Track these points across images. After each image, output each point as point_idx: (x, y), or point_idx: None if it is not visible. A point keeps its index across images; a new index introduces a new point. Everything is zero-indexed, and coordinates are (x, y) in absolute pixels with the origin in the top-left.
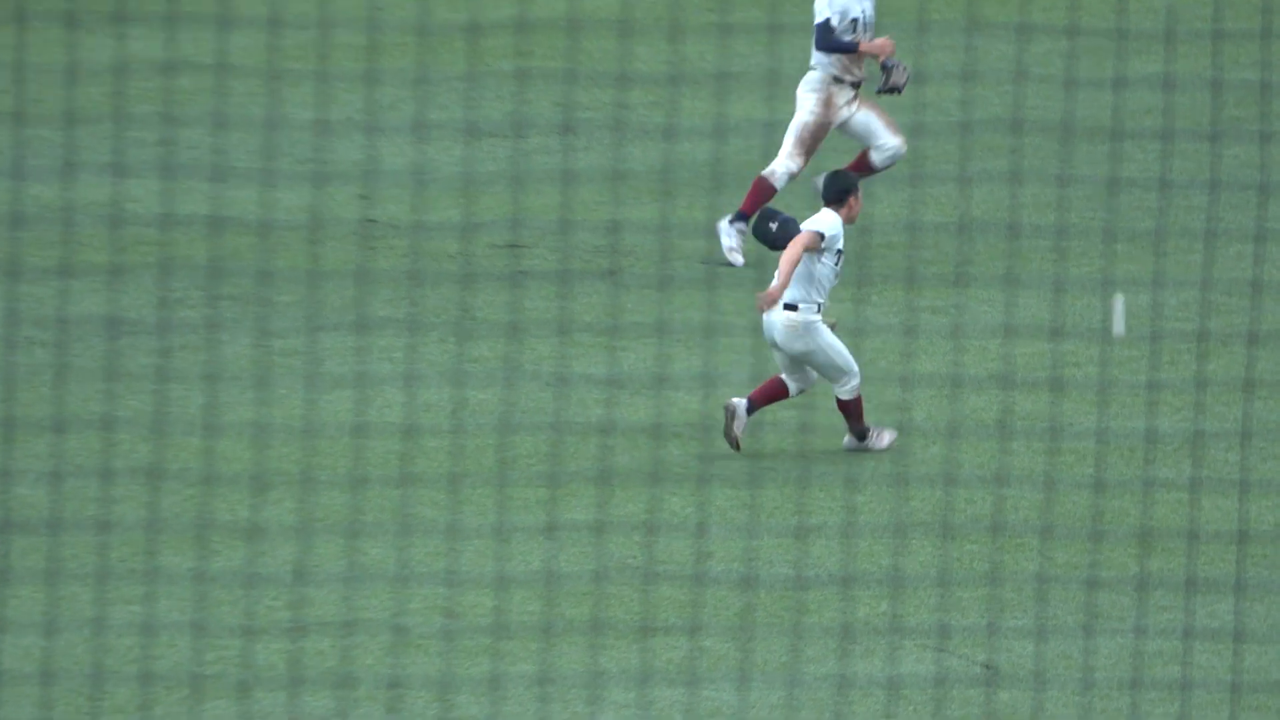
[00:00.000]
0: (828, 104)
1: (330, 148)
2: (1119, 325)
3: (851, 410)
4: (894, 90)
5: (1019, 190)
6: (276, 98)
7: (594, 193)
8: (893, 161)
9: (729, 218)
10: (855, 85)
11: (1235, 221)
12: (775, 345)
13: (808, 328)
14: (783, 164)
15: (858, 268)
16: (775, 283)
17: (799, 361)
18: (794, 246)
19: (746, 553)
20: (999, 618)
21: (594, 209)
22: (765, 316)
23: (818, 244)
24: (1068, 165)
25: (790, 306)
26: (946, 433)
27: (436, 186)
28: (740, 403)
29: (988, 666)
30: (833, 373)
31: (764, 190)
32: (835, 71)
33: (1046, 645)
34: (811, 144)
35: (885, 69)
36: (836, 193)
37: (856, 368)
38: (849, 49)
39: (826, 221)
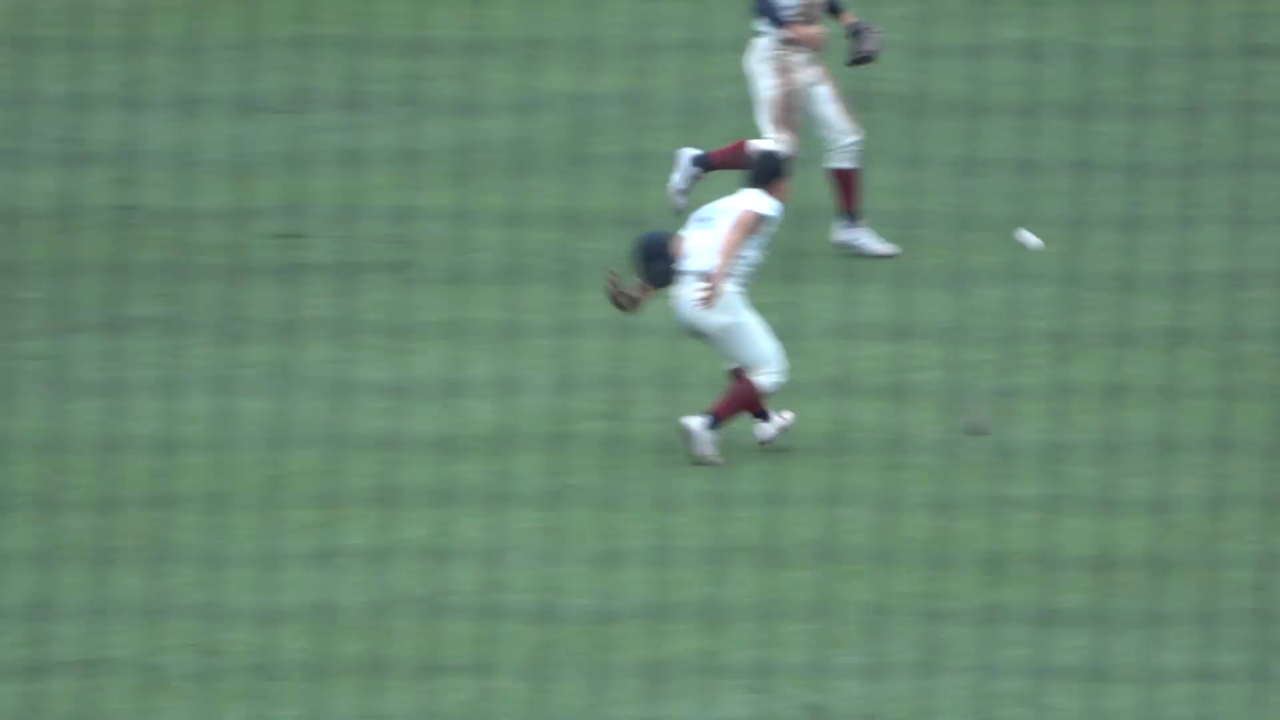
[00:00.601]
0: (784, 71)
1: (84, 125)
2: (1032, 241)
3: (754, 402)
4: (866, 59)
5: (864, 173)
6: (24, 69)
7: (383, 175)
8: (853, 160)
9: (694, 154)
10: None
11: (1105, 208)
12: (689, 327)
13: (727, 298)
14: (766, 144)
15: None
16: (717, 269)
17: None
18: (736, 230)
19: (546, 582)
20: (828, 654)
21: (383, 194)
22: (678, 300)
23: (758, 226)
24: (918, 144)
25: (708, 274)
26: (774, 445)
27: (204, 169)
28: (693, 421)
29: (814, 709)
30: (751, 355)
31: (740, 156)
32: (784, 37)
33: (881, 685)
34: (788, 117)
35: (855, 33)
36: (768, 172)
37: (779, 355)
38: (777, 23)
39: (765, 203)
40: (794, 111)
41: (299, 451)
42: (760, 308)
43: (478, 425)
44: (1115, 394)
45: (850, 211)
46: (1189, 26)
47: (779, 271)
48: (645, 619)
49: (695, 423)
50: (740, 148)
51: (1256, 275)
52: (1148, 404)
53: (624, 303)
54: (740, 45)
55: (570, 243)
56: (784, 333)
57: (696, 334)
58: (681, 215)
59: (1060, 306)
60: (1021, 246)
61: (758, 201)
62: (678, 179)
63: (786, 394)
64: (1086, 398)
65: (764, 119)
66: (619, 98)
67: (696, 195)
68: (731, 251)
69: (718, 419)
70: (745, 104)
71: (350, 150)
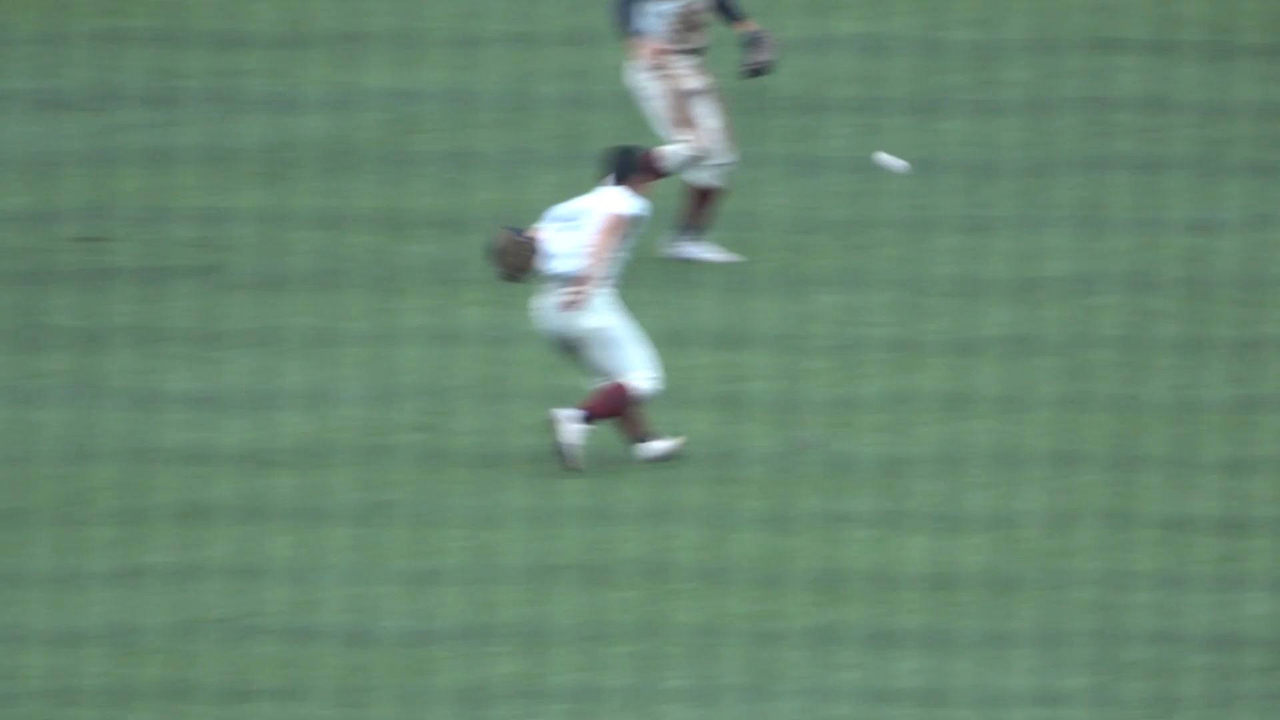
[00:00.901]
0: (667, 75)
1: None
2: (893, 163)
3: (618, 403)
4: (760, 71)
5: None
6: None
7: (192, 175)
8: (721, 177)
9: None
10: (694, 52)
11: (948, 209)
12: (555, 334)
13: (595, 302)
14: (676, 149)
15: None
16: (585, 274)
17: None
18: (604, 233)
19: (359, 602)
20: (654, 677)
21: (191, 195)
22: (543, 311)
23: (625, 227)
24: (756, 143)
25: (575, 277)
26: (599, 459)
27: (1, 169)
28: (565, 412)
29: None
30: (623, 360)
31: (654, 165)
32: (663, 42)
33: (710, 709)
34: (683, 115)
35: (751, 42)
36: (629, 167)
37: (652, 359)
38: (623, 30)
39: (630, 202)
40: (687, 110)
41: (100, 465)
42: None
43: (289, 437)
44: (957, 405)
45: (696, 228)
46: (1036, 19)
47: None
48: (463, 640)
49: (566, 413)
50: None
51: (1105, 280)
52: (991, 415)
53: (511, 263)
54: (568, 38)
55: (389, 246)
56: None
57: (563, 342)
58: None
59: (900, 313)
60: (883, 169)
61: (622, 201)
62: (693, 247)
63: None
64: (927, 409)
65: (663, 128)
66: (441, 93)
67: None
68: (601, 255)
69: (590, 416)
70: (574, 100)
71: (157, 149)
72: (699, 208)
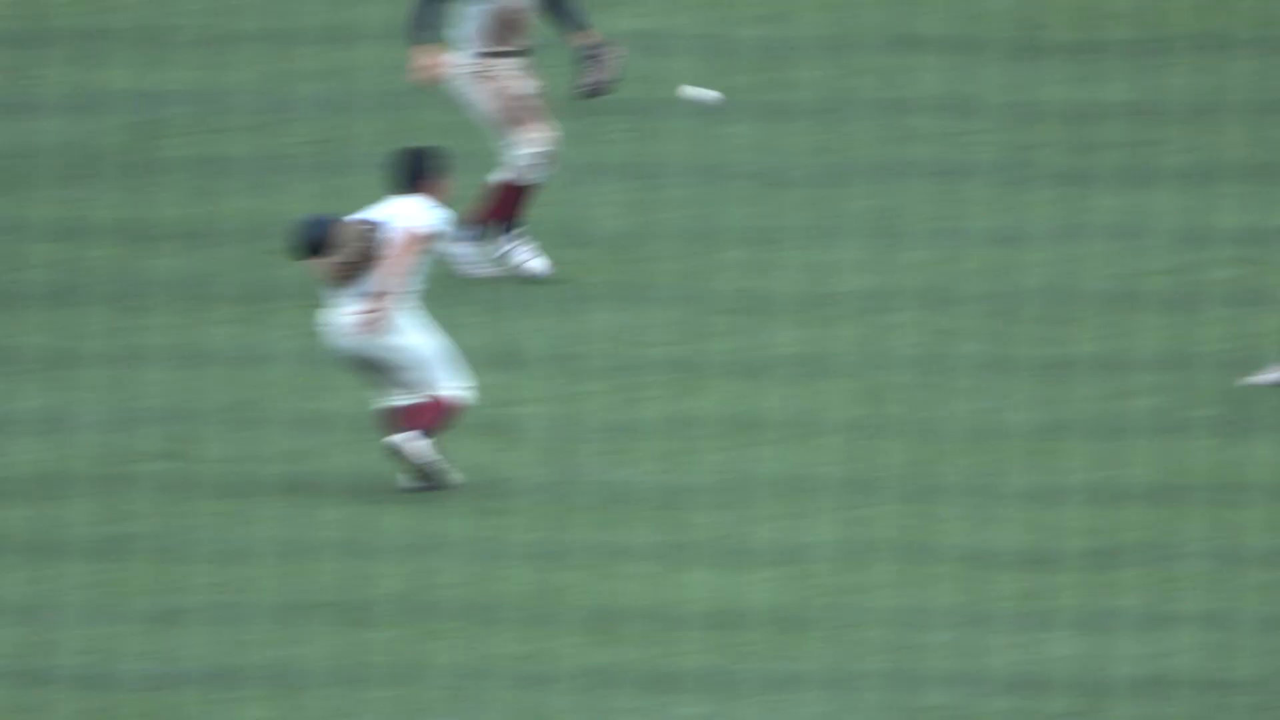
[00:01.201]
0: (492, 79)
1: None
2: (703, 95)
3: (440, 415)
4: (597, 91)
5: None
6: None
7: None
8: (540, 174)
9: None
10: (517, 54)
11: (734, 220)
12: (349, 353)
13: (394, 319)
14: (516, 158)
15: (258, 281)
16: (383, 292)
17: (384, 367)
18: (403, 252)
19: (98, 643)
20: None
21: None
22: (337, 327)
23: (425, 243)
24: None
25: (375, 295)
26: (353, 489)
27: None
28: (398, 437)
29: None
30: (429, 374)
31: (511, 197)
32: (482, 47)
33: None
34: (519, 114)
35: (589, 57)
36: (418, 171)
37: (460, 368)
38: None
39: (428, 215)
40: (522, 110)
41: None
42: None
43: (21, 466)
44: (742, 430)
45: (502, 224)
46: (828, 15)
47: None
48: (209, 684)
49: (400, 436)
50: (505, 191)
51: (901, 296)
52: (778, 441)
53: (352, 254)
54: (328, 35)
55: (131, 259)
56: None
57: (360, 361)
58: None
59: (681, 331)
60: (696, 103)
61: (422, 214)
62: (469, 252)
63: (361, 431)
64: (709, 434)
65: (498, 135)
66: (189, 95)
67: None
68: (399, 273)
69: (424, 431)
70: (331, 101)
71: None
72: (512, 204)
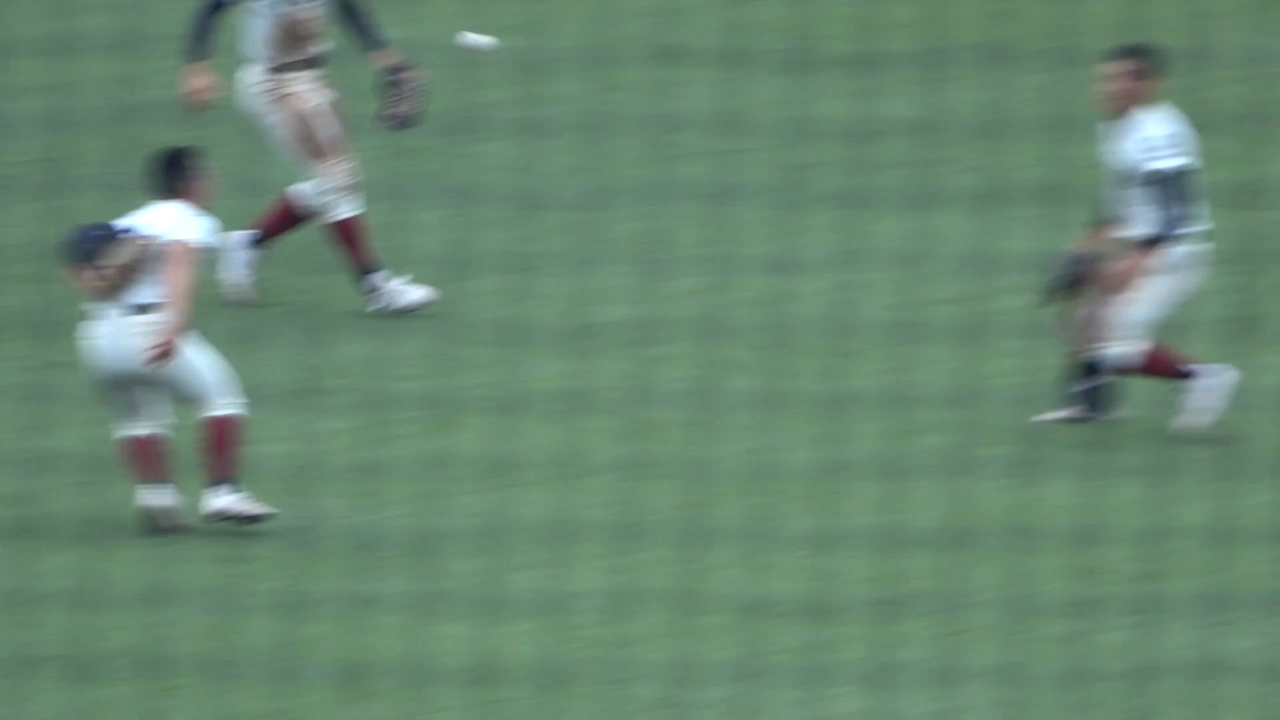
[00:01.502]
0: (286, 98)
1: None
2: (478, 41)
3: (229, 444)
4: (404, 123)
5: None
6: None
7: None
8: (350, 207)
9: (245, 237)
10: (310, 64)
11: (488, 244)
12: (115, 371)
13: (181, 344)
14: (320, 196)
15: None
16: (170, 319)
17: (157, 387)
18: (176, 270)
19: None
20: None
21: None
22: (104, 342)
23: (195, 256)
24: (252, 165)
25: (147, 308)
26: (82, 533)
27: None
28: (216, 502)
29: None
30: (201, 388)
31: (345, 236)
32: (272, 60)
33: None
34: (315, 142)
35: (391, 84)
36: (174, 175)
37: (230, 380)
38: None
39: (193, 224)
40: (319, 133)
41: None
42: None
43: None
44: (499, 470)
45: (363, 266)
46: (587, 26)
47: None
48: None
49: (220, 501)
50: (286, 207)
51: (668, 326)
52: (539, 482)
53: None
54: (47, 47)
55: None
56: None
57: (123, 378)
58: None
59: (433, 365)
60: (471, 49)
61: (186, 225)
62: (238, 271)
63: (98, 470)
64: (464, 475)
65: (293, 159)
66: None
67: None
68: (181, 297)
69: (225, 480)
70: (48, 118)
71: None
72: (353, 244)
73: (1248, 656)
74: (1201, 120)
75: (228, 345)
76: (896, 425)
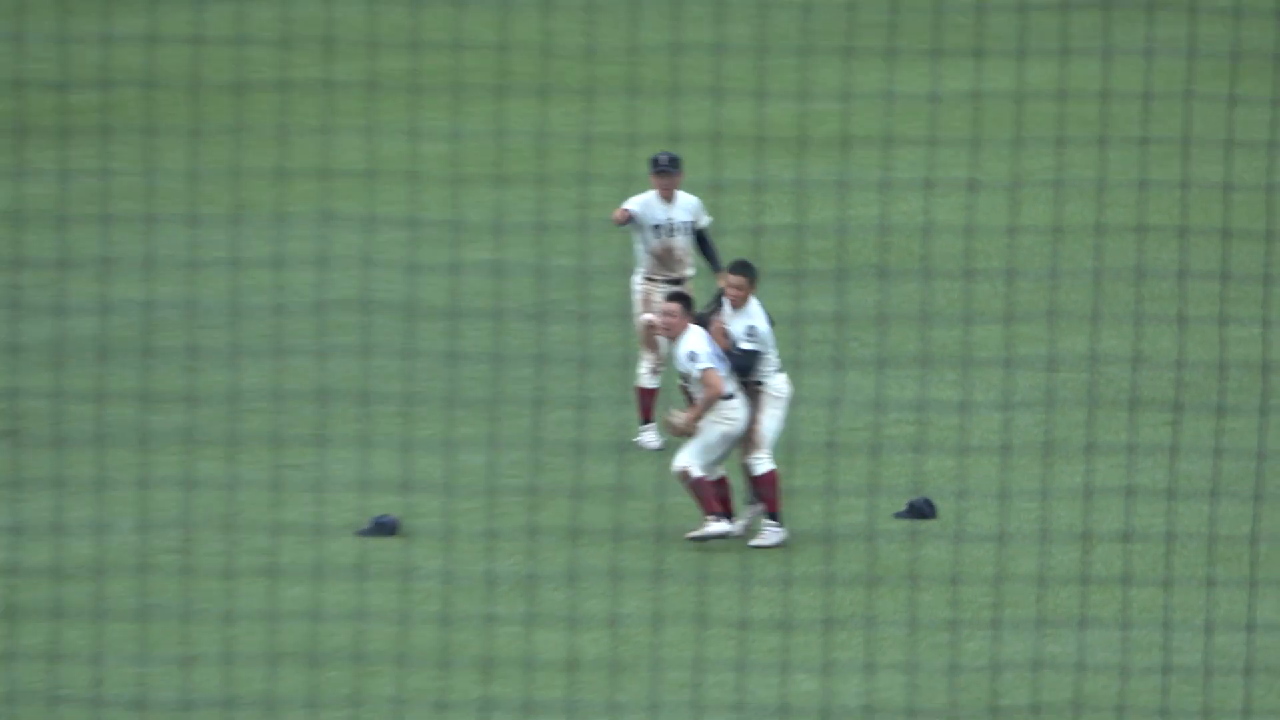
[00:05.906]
0: (649, 301)
1: None
2: None
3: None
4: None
5: (368, 362)
6: None
7: None
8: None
9: None
10: (673, 282)
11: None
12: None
13: None
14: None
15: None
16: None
17: None
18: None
19: None
20: None
21: None
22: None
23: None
24: (411, 339)
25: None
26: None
27: None
28: None
29: None
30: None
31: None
32: (648, 271)
33: None
34: (652, 338)
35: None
36: None
37: None
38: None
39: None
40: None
41: None
42: (293, 467)
43: None
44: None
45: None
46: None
47: (308, 440)
48: None
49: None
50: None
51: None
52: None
53: None
54: None
55: None
56: (313, 485)
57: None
58: None
59: (529, 469)
60: None
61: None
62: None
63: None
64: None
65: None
66: None
67: None
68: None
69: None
70: None
71: None
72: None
73: None
74: None
75: (351, 448)
76: None
